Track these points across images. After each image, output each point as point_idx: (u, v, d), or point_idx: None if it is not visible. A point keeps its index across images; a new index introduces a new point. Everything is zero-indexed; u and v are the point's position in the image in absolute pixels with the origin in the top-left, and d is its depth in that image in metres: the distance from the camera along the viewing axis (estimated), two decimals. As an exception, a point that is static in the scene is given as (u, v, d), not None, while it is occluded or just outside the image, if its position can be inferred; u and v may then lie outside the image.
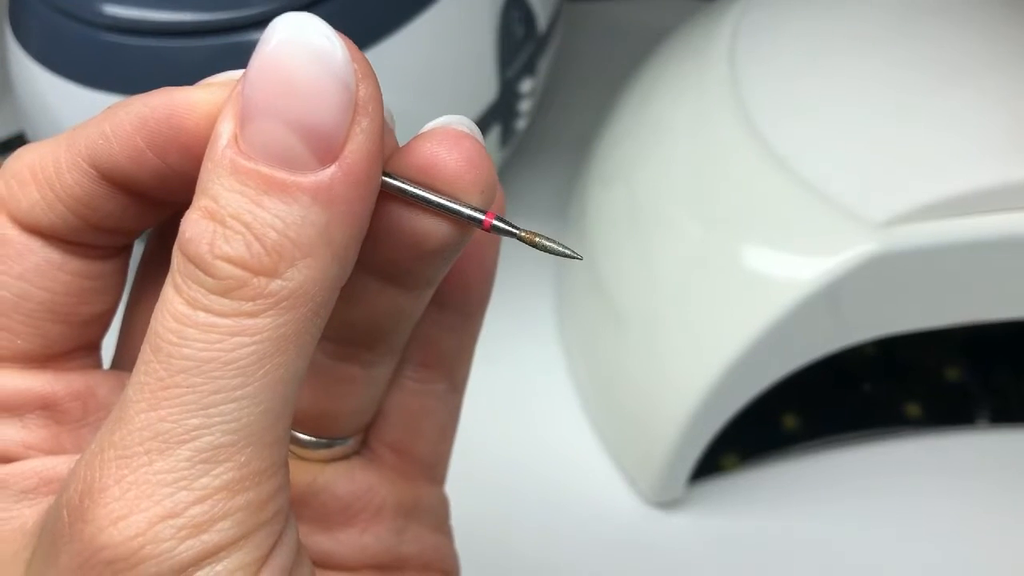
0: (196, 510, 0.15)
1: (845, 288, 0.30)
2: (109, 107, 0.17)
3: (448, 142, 0.17)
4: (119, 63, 0.31)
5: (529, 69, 0.39)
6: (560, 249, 0.18)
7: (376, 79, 0.16)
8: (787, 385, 0.32)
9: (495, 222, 0.17)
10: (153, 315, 0.15)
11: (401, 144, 0.17)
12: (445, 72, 0.35)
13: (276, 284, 0.15)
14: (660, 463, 0.33)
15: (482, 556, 0.34)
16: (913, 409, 0.37)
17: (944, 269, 0.30)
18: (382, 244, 0.17)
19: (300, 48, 0.15)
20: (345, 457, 0.21)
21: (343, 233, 0.15)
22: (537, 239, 0.18)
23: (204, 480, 0.15)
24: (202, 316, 0.15)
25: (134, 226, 0.18)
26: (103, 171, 0.17)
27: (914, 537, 0.34)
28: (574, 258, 0.18)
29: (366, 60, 0.15)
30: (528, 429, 0.37)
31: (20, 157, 0.17)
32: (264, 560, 0.15)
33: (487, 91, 0.37)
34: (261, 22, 0.30)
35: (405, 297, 0.19)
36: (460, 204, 0.17)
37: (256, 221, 0.15)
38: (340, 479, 0.21)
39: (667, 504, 0.35)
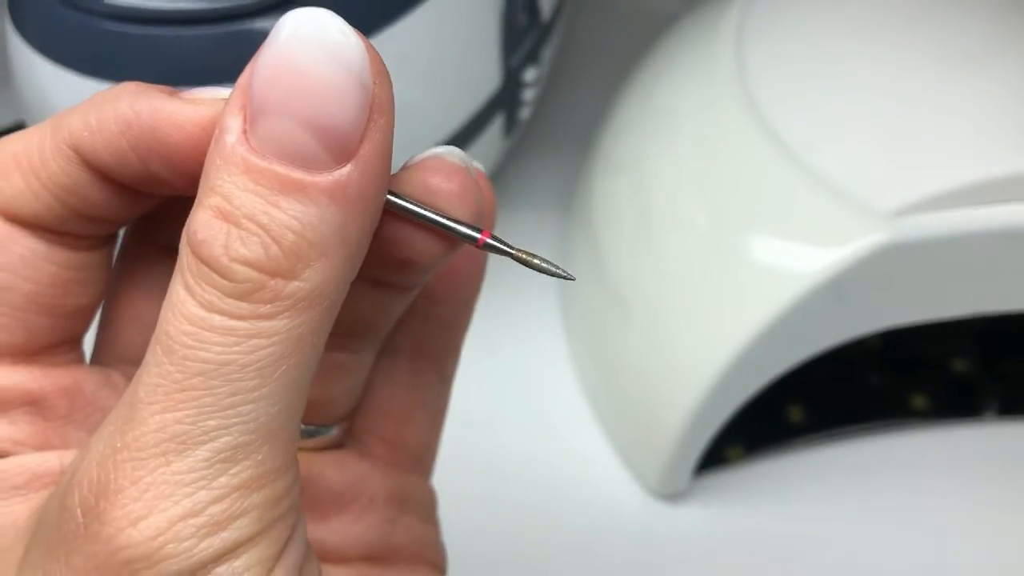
0: (215, 508, 0.15)
1: (852, 279, 0.29)
2: (96, 95, 0.17)
3: (439, 175, 0.17)
4: (119, 52, 0.30)
5: (533, 58, 0.39)
6: (553, 269, 0.18)
7: (389, 75, 0.16)
8: (793, 377, 0.32)
9: (489, 240, 0.17)
10: (162, 315, 0.15)
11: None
12: (448, 61, 0.35)
13: (293, 286, 0.15)
14: (665, 455, 0.33)
15: (486, 548, 0.34)
16: (919, 401, 0.37)
17: (952, 260, 0.30)
18: (371, 256, 0.17)
19: (315, 44, 0.15)
20: (332, 447, 0.21)
21: (358, 232, 0.15)
22: (531, 259, 0.18)
23: (223, 479, 0.15)
24: (218, 319, 0.15)
25: (120, 215, 0.18)
26: (87, 161, 0.17)
27: (920, 529, 0.34)
28: (567, 279, 0.18)
29: (379, 56, 0.15)
30: (532, 421, 0.37)
31: (3, 147, 0.17)
32: (279, 554, 0.16)
33: (490, 80, 0.37)
34: (261, 10, 0.30)
35: (391, 296, 0.19)
36: (454, 221, 0.17)
37: (273, 223, 0.15)
38: (332, 468, 0.21)
39: (672, 496, 0.35)
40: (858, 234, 0.29)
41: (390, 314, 0.20)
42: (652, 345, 0.33)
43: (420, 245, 0.17)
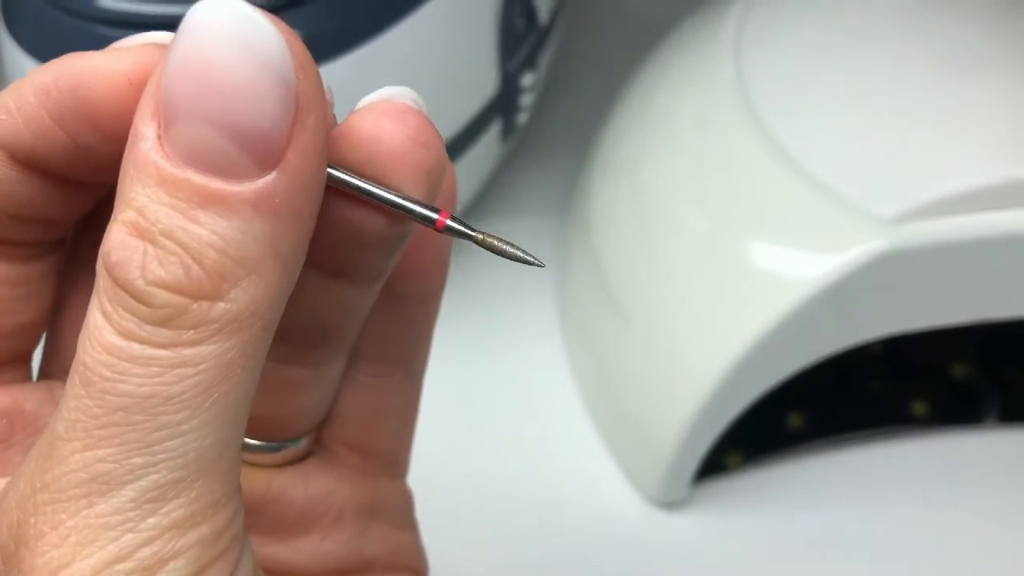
0: (145, 552, 0.14)
1: (853, 286, 0.29)
2: (15, 81, 0.15)
3: (391, 118, 0.15)
4: (113, 57, 0.30)
5: (530, 62, 0.39)
6: (520, 254, 0.16)
7: (315, 67, 0.14)
8: (792, 384, 0.32)
9: (449, 222, 0.16)
10: (80, 342, 0.14)
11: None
12: (445, 66, 0.35)
13: (219, 308, 0.13)
14: (664, 463, 0.33)
15: (484, 556, 0.34)
16: (920, 408, 0.37)
17: (952, 267, 0.30)
18: (319, 236, 0.15)
19: (226, 37, 0.13)
20: (298, 460, 0.20)
21: (290, 243, 0.14)
22: (495, 242, 0.16)
23: (152, 520, 0.14)
24: (137, 349, 0.13)
25: (58, 215, 0.17)
26: (11, 152, 0.15)
27: (920, 537, 0.34)
28: (535, 264, 0.16)
29: (302, 46, 0.14)
30: (530, 428, 0.37)
31: None
32: None
33: (488, 85, 0.37)
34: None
35: (351, 290, 0.17)
36: (410, 201, 0.15)
37: (192, 240, 0.13)
38: (295, 485, 0.20)
39: (671, 504, 0.35)
40: (858, 241, 0.29)
41: (353, 315, 0.18)
42: (651, 352, 0.33)
43: (365, 218, 0.16)
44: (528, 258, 0.16)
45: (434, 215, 0.15)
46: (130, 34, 0.30)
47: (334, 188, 0.15)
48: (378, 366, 0.20)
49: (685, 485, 0.34)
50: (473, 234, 0.16)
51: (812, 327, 0.30)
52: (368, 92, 0.32)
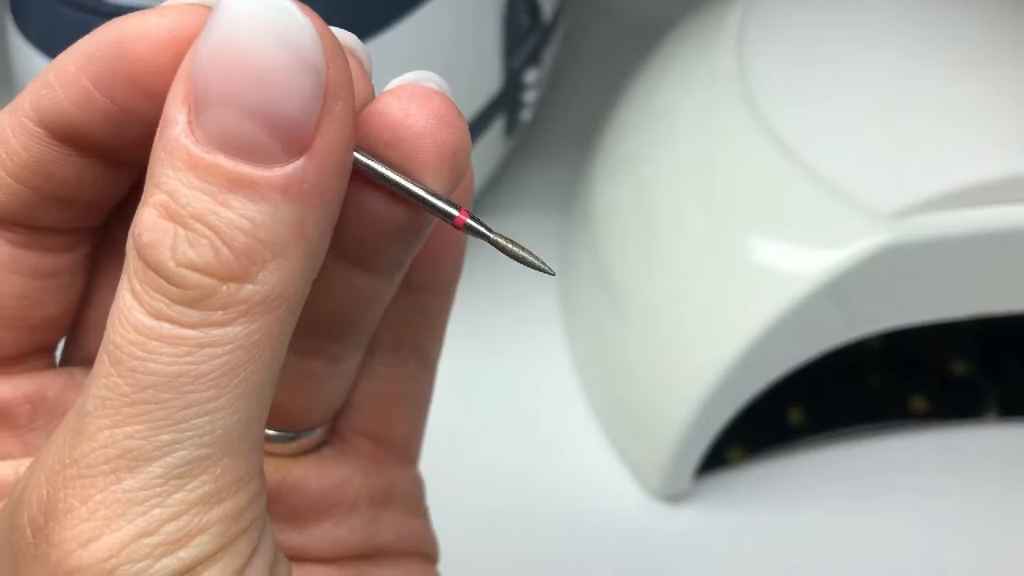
0: (172, 527, 0.14)
1: (853, 280, 0.29)
2: (58, 56, 0.15)
3: (417, 100, 0.15)
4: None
5: (534, 59, 0.39)
6: (533, 260, 0.16)
7: (345, 55, 0.14)
8: (793, 378, 0.32)
9: (469, 220, 0.16)
10: (109, 322, 0.14)
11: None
12: (449, 62, 0.35)
13: (247, 290, 0.14)
14: (666, 457, 0.33)
15: (487, 550, 0.34)
16: (920, 403, 0.37)
17: (953, 261, 0.30)
18: (342, 225, 0.16)
19: (258, 25, 0.13)
20: (314, 449, 0.20)
21: (316, 227, 0.14)
22: (510, 246, 0.16)
23: (178, 495, 0.14)
24: (167, 328, 0.14)
25: (94, 196, 0.17)
26: (50, 126, 0.15)
27: (921, 531, 0.34)
28: (547, 272, 0.16)
29: (332, 35, 0.14)
30: (533, 423, 0.37)
31: None
32: (243, 570, 0.15)
33: (491, 81, 0.37)
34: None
35: (372, 281, 0.17)
36: (432, 195, 0.15)
37: (222, 223, 0.13)
38: (311, 476, 0.20)
39: (673, 497, 0.35)
40: (859, 235, 0.29)
41: (374, 306, 0.18)
42: (653, 347, 0.33)
43: (386, 212, 0.16)
44: (541, 265, 0.16)
45: (454, 211, 0.15)
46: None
47: (357, 178, 0.15)
48: (394, 355, 0.20)
49: (687, 479, 0.34)
50: (491, 235, 0.16)
51: (813, 322, 0.30)
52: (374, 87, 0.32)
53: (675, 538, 0.34)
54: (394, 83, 0.16)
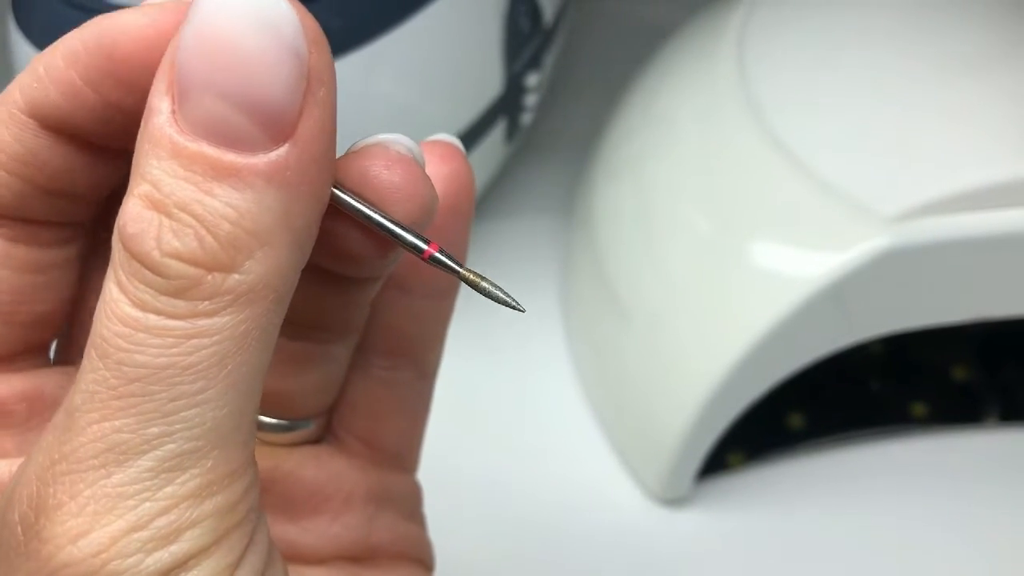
0: (162, 521, 0.14)
1: (854, 284, 0.29)
2: (47, 49, 0.16)
3: (382, 164, 0.16)
4: (122, 53, 0.30)
5: (535, 63, 0.39)
6: (502, 296, 0.16)
7: (327, 42, 0.14)
8: (794, 383, 0.32)
9: (436, 255, 0.16)
10: (96, 314, 0.14)
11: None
12: (450, 66, 0.35)
13: (233, 279, 0.14)
14: (667, 461, 0.33)
15: (488, 553, 0.34)
16: (920, 408, 0.37)
17: (955, 265, 0.30)
18: (317, 248, 0.16)
19: (241, 12, 0.13)
20: (309, 442, 0.20)
21: (303, 216, 0.14)
22: (481, 282, 0.16)
23: (169, 489, 0.14)
24: (153, 319, 0.13)
25: (86, 187, 0.17)
26: (41, 118, 0.15)
27: (920, 536, 0.34)
28: (517, 309, 0.16)
29: (315, 21, 0.14)
30: (533, 426, 0.37)
31: None
32: (236, 564, 0.15)
33: (493, 85, 0.37)
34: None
35: (351, 286, 0.17)
36: (401, 228, 0.15)
37: (207, 212, 0.13)
38: (305, 465, 0.20)
39: (673, 502, 0.35)
40: (860, 239, 0.29)
41: (354, 306, 0.18)
42: (654, 351, 0.33)
43: (355, 244, 0.16)
44: (511, 302, 0.16)
45: (423, 245, 0.15)
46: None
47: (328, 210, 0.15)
48: (388, 359, 0.20)
49: (688, 483, 0.34)
50: (460, 270, 0.16)
51: (814, 326, 0.30)
52: (375, 90, 0.32)
53: (675, 542, 0.34)
54: (361, 143, 0.16)
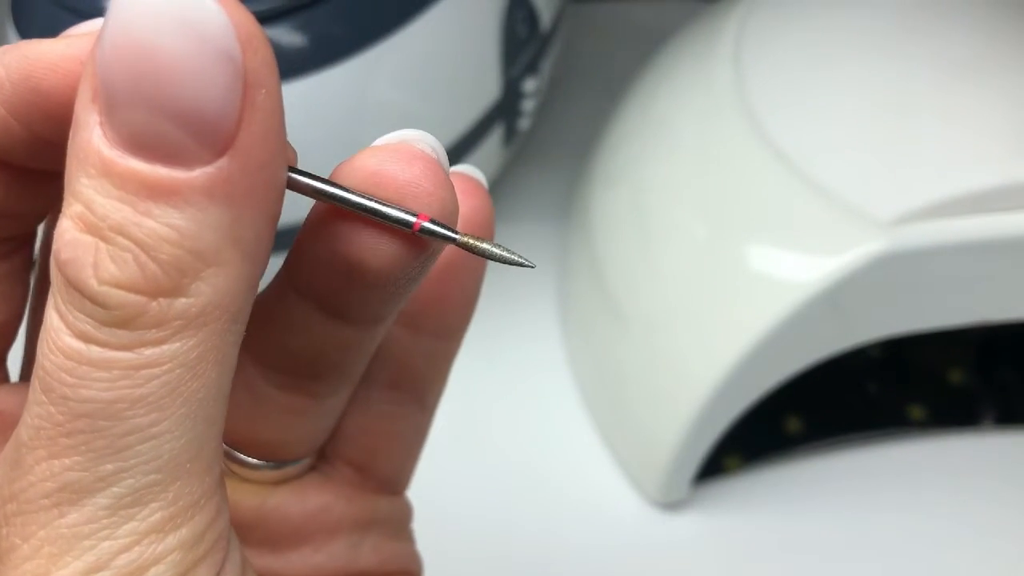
0: (123, 559, 0.13)
1: (851, 288, 0.29)
2: None
3: (400, 160, 0.14)
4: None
5: (532, 68, 0.39)
6: (507, 256, 0.15)
7: (265, 39, 0.13)
8: (791, 386, 0.32)
9: (426, 224, 0.14)
10: (39, 344, 0.13)
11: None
12: (448, 71, 0.35)
13: (181, 304, 0.12)
14: (664, 464, 0.33)
15: (484, 557, 0.34)
16: (917, 411, 0.37)
17: (951, 269, 0.30)
18: (318, 270, 0.15)
19: (159, 13, 0.12)
20: (297, 476, 0.19)
21: (252, 229, 0.13)
22: (479, 244, 0.15)
23: (129, 526, 0.13)
24: (97, 352, 0.12)
25: (23, 208, 0.16)
26: None
27: (918, 539, 0.34)
28: (525, 266, 0.15)
29: (248, 17, 0.12)
30: (531, 430, 0.37)
31: None
32: None
33: (490, 90, 0.37)
34: (268, 18, 0.30)
35: (352, 331, 0.16)
36: (385, 204, 0.14)
37: (145, 234, 0.12)
38: (291, 501, 0.19)
39: (671, 505, 0.35)
40: (856, 243, 0.29)
41: (352, 354, 0.17)
42: (651, 355, 0.33)
43: (365, 250, 0.14)
44: (515, 259, 0.15)
45: (411, 218, 0.14)
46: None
47: (330, 218, 0.15)
48: (391, 394, 0.19)
49: (685, 486, 0.34)
50: (456, 236, 0.15)
51: (810, 329, 0.30)
52: (373, 96, 0.32)
53: (672, 545, 0.34)
54: (379, 141, 0.15)
